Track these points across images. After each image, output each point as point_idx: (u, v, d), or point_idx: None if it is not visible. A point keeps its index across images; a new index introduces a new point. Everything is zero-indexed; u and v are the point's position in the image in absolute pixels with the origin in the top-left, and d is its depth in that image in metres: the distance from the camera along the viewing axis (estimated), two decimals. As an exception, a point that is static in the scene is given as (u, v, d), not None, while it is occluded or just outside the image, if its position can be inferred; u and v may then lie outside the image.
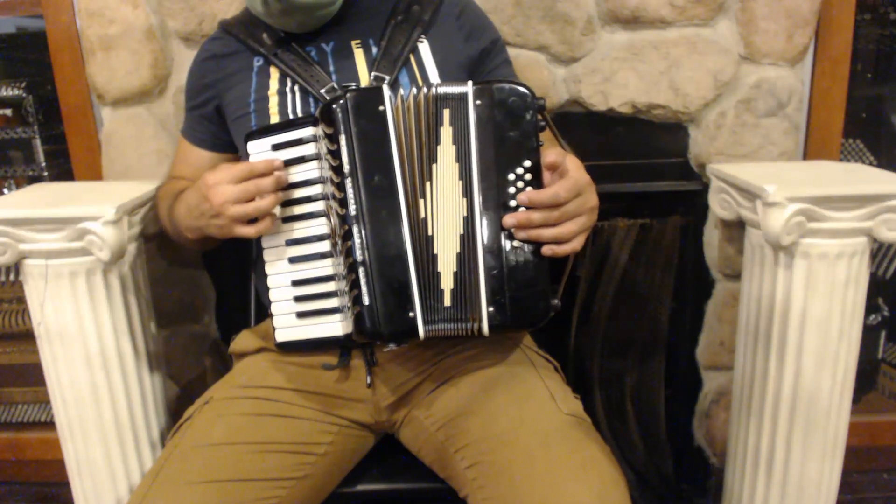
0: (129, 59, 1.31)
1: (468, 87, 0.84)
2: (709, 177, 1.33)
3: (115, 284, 1.13)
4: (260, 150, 0.88)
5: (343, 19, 1.03)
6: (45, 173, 1.61)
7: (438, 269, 0.84)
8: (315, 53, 1.02)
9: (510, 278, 0.83)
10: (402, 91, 0.86)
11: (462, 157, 0.84)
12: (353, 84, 0.97)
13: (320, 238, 0.88)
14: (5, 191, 1.64)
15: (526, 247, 0.83)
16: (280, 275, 0.91)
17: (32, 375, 1.71)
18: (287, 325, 0.92)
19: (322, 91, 0.97)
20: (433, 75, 1.00)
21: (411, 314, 0.83)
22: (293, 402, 0.97)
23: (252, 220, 0.86)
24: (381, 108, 0.83)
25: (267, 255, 0.91)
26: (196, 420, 0.94)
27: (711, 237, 1.42)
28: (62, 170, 1.56)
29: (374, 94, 0.84)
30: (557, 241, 0.82)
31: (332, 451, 0.96)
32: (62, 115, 1.44)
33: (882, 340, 1.71)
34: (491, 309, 0.83)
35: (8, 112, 1.58)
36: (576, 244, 0.82)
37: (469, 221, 0.83)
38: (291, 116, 0.99)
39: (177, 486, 0.83)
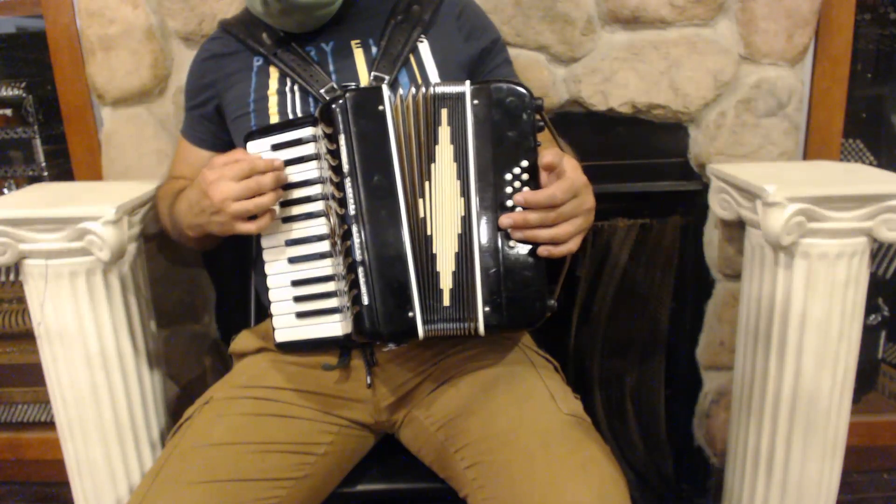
0: (129, 59, 1.31)
1: (466, 87, 0.84)
2: (709, 177, 1.33)
3: (115, 284, 1.13)
4: (259, 150, 0.88)
5: (343, 19, 1.03)
6: (45, 173, 1.61)
7: (437, 269, 0.84)
8: (315, 53, 1.02)
9: (507, 278, 0.83)
10: (401, 91, 0.86)
11: (460, 157, 0.84)
12: (353, 84, 0.97)
13: (320, 238, 0.88)
14: (5, 191, 1.64)
15: (522, 247, 0.83)
16: (280, 275, 0.91)
17: (32, 375, 1.71)
18: (287, 325, 0.92)
19: (322, 91, 0.97)
20: (433, 75, 1.00)
21: (410, 314, 0.83)
22: (293, 402, 0.97)
23: (252, 217, 0.86)
24: (381, 108, 0.83)
25: (266, 255, 0.91)
26: (196, 420, 0.94)
27: (711, 237, 1.42)
28: (62, 170, 1.56)
29: (373, 94, 0.84)
30: (554, 242, 0.81)
31: (332, 452, 0.96)
32: (62, 115, 1.44)
33: (882, 340, 1.71)
34: (487, 309, 0.83)
35: (8, 112, 1.58)
36: (572, 245, 0.82)
37: (467, 221, 0.83)
38: (291, 116, 0.98)
39: (177, 486, 0.83)
